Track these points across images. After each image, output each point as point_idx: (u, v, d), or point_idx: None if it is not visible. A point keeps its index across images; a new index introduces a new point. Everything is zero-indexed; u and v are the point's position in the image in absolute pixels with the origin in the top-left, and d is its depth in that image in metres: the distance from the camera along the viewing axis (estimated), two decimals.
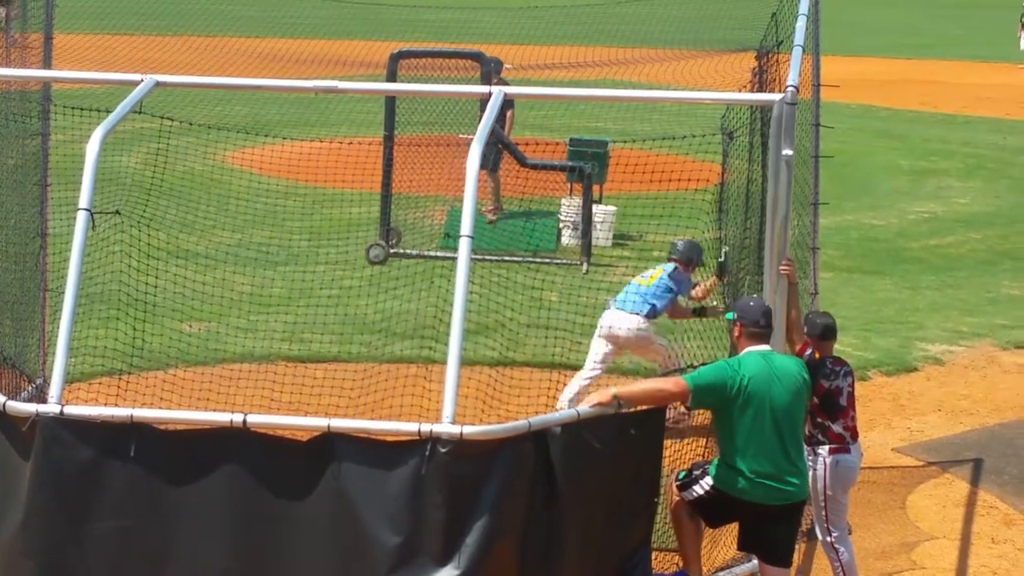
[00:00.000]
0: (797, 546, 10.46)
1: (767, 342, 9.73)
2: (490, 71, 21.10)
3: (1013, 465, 13.93)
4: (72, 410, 8.79)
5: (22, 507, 8.86)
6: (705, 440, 11.18)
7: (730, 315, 9.85)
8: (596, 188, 21.71)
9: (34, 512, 8.82)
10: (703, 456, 10.96)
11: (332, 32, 36.49)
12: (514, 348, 15.38)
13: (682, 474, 9.90)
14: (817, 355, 10.68)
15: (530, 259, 19.08)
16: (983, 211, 26.30)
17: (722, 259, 13.41)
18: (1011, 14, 51.81)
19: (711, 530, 10.23)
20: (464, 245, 9.13)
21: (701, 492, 9.71)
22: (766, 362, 9.56)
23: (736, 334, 9.74)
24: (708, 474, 9.71)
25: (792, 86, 10.00)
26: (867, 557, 11.66)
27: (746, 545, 10.01)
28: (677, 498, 9.81)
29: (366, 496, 8.61)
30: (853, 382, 10.88)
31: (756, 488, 9.48)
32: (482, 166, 18.36)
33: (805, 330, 10.82)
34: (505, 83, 21.14)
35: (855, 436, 10.79)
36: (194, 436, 8.89)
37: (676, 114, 29.15)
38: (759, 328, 9.70)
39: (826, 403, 10.57)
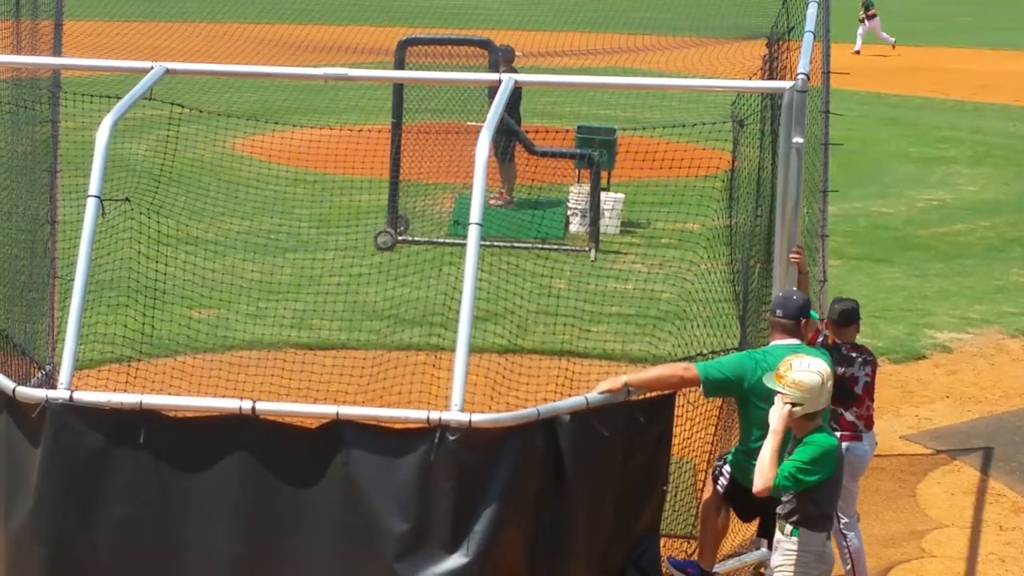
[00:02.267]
0: None
1: (797, 336, 9.56)
2: (498, 59, 21.08)
3: (1022, 453, 13.93)
4: (82, 396, 8.80)
5: (32, 494, 8.87)
6: (715, 427, 11.18)
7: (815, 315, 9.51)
8: (604, 175, 21.68)
9: (43, 499, 8.83)
10: (713, 443, 10.96)
11: (340, 19, 36.46)
12: (522, 335, 15.38)
13: (717, 465, 9.87)
14: (831, 340, 10.66)
15: (538, 246, 19.06)
16: (992, 198, 26.26)
17: None
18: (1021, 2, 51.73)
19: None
20: (473, 232, 9.13)
21: (725, 482, 9.69)
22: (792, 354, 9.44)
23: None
24: (727, 462, 9.69)
25: (803, 73, 9.97)
26: (876, 544, 11.67)
27: (765, 531, 10.01)
28: (710, 490, 9.79)
29: (375, 483, 8.62)
30: (873, 372, 10.77)
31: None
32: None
33: (826, 315, 10.80)
34: (516, 72, 21.13)
35: (869, 425, 10.76)
36: (203, 423, 8.90)
37: (686, 101, 29.13)
38: (791, 321, 9.53)
39: (839, 390, 10.51)
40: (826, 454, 8.57)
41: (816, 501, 8.57)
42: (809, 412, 8.55)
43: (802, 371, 8.55)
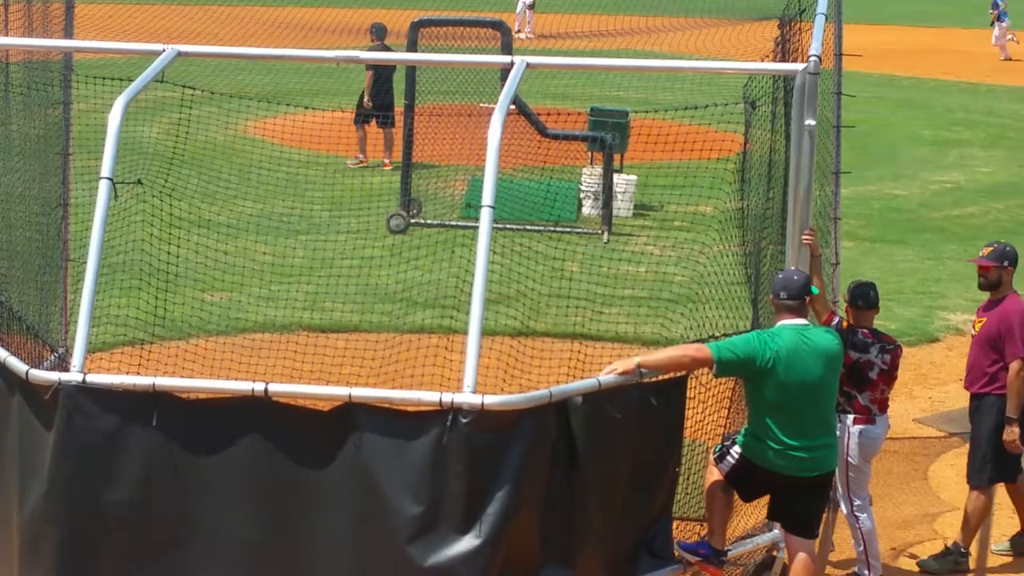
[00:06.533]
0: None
1: (803, 316, 9.65)
2: (511, 40, 21.06)
3: None
4: (94, 379, 8.82)
5: (45, 476, 8.89)
6: (727, 410, 11.17)
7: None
8: (617, 158, 21.66)
9: (56, 481, 8.86)
10: (725, 426, 10.95)
11: (353, 0, 36.41)
12: (535, 318, 15.37)
13: (718, 447, 9.91)
14: (845, 324, 10.64)
15: (551, 229, 19.04)
16: (1006, 180, 26.20)
17: None
18: None
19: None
20: (485, 215, 9.13)
21: (732, 462, 9.70)
22: (800, 335, 9.47)
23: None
24: (736, 443, 9.72)
25: (815, 55, 9.95)
26: (888, 527, 11.66)
27: (774, 514, 10.01)
28: (714, 470, 9.81)
29: (387, 466, 8.63)
30: (893, 360, 10.68)
31: (784, 459, 9.47)
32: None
33: (839, 298, 10.78)
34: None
35: (883, 409, 10.72)
36: (216, 405, 8.92)
37: (698, 83, 29.02)
38: (796, 302, 9.61)
39: (853, 374, 10.51)
40: None
41: None
42: None
43: None
